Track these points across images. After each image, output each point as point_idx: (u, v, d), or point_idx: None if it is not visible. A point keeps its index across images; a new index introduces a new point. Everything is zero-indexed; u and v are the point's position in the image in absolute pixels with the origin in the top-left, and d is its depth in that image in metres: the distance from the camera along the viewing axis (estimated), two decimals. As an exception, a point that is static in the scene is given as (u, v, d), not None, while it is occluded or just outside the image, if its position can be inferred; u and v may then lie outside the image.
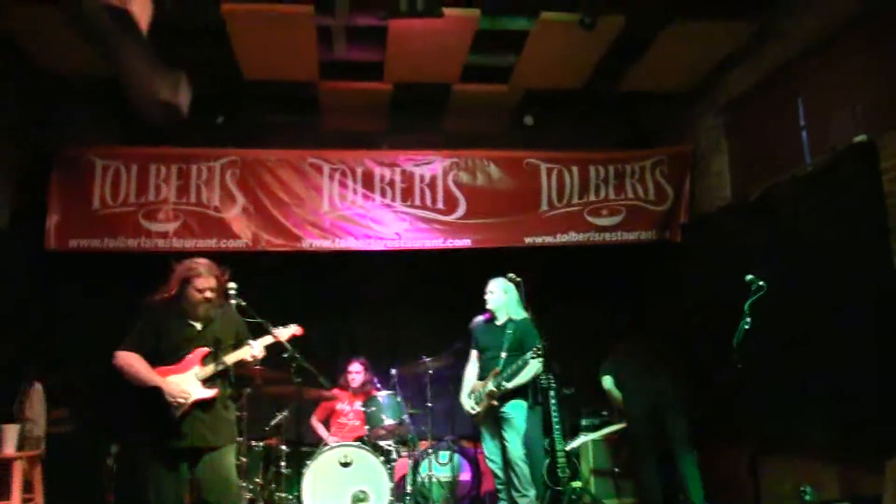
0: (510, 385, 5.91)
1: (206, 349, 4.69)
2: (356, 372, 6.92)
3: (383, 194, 6.96)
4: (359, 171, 6.95)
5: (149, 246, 6.56)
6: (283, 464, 6.08)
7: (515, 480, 5.97)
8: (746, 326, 4.81)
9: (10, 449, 5.26)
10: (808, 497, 5.33)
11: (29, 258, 6.51)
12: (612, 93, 7.09)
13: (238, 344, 4.81)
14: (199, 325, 4.73)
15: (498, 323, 6.20)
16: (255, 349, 4.78)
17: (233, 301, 4.79)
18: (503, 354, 6.01)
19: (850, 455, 5.21)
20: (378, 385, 6.89)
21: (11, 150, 6.47)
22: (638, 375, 6.44)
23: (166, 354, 4.64)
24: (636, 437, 6.43)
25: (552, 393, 7.14)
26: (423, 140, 7.45)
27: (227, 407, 4.80)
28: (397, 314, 7.50)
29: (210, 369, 4.65)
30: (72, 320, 6.64)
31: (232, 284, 4.80)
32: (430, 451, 6.84)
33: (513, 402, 6.02)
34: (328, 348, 7.14)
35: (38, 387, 5.75)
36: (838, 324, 5.34)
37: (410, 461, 6.73)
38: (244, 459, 6.23)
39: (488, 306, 6.23)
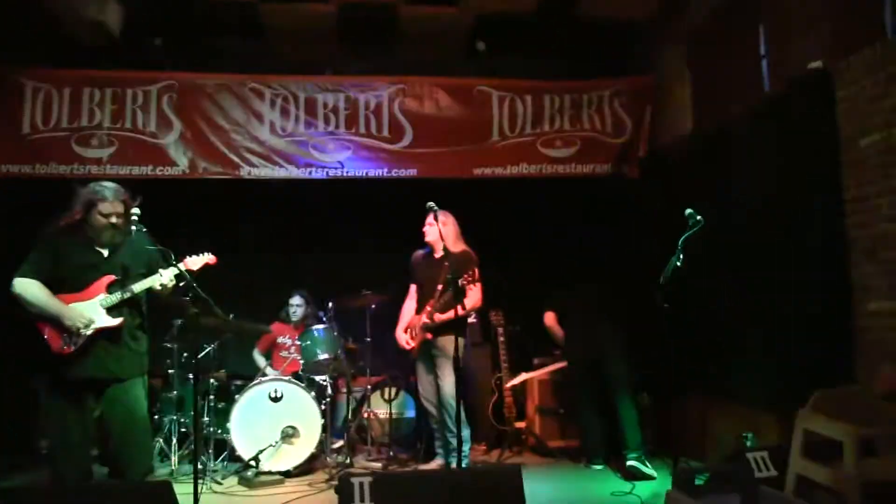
0: (444, 317, 5.73)
1: (112, 276, 4.52)
2: (297, 304, 6.79)
3: (327, 121, 6.71)
4: (301, 97, 6.69)
5: (82, 172, 6.36)
6: (211, 397, 5.96)
7: (447, 419, 5.84)
8: (678, 263, 4.60)
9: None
10: (749, 443, 5.14)
11: None
12: (569, 19, 6.73)
13: (148, 272, 4.63)
14: (105, 252, 4.56)
15: (436, 256, 6.01)
16: (164, 277, 4.60)
17: (134, 227, 4.55)
18: (439, 287, 5.83)
19: (788, 404, 5.01)
20: (324, 318, 6.74)
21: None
22: (583, 321, 6.21)
23: (70, 282, 4.47)
24: (577, 381, 6.24)
25: (500, 329, 7.01)
26: (374, 67, 7.12)
27: (137, 338, 4.64)
28: (341, 246, 7.27)
29: (116, 297, 4.48)
30: None
31: (135, 210, 4.56)
32: (369, 387, 6.73)
33: (446, 337, 5.85)
34: (271, 280, 6.95)
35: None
36: (783, 269, 5.11)
37: (351, 397, 6.62)
38: (175, 392, 6.13)
39: (426, 239, 6.02)
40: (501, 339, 6.95)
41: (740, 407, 5.50)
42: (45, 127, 6.36)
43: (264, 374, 6.37)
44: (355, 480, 3.43)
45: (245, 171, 6.56)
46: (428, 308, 5.84)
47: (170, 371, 6.21)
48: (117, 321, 4.47)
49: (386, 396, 6.97)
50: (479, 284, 5.79)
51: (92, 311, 4.43)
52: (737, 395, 5.58)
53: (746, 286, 5.47)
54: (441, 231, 5.94)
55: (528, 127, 6.85)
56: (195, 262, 4.82)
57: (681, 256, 4.59)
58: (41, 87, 6.37)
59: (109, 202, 4.49)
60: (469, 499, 3.41)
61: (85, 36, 6.19)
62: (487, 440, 6.88)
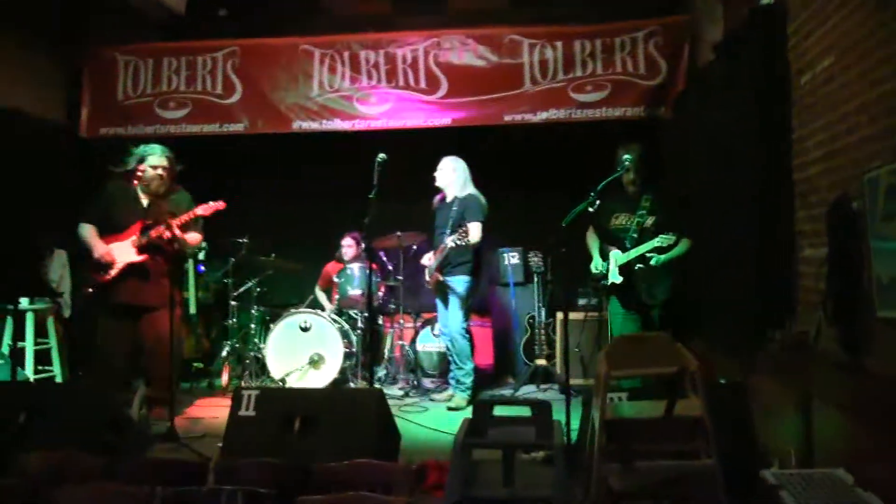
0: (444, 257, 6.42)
1: (146, 220, 5.78)
2: (348, 246, 7.73)
3: (369, 76, 7.45)
4: (346, 54, 7.47)
5: (163, 132, 7.58)
6: (252, 325, 7.06)
7: (454, 353, 6.52)
8: (590, 209, 4.90)
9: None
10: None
11: (83, 147, 7.76)
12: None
13: None
14: (145, 202, 5.84)
15: (447, 201, 6.64)
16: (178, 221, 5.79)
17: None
18: (447, 231, 6.46)
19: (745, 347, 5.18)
20: (383, 258, 7.64)
21: (62, 55, 7.70)
22: None
23: (115, 225, 5.90)
24: None
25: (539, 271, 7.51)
26: (429, 21, 7.72)
27: (164, 275, 5.79)
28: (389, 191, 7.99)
29: (146, 238, 5.73)
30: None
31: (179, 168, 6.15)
32: (410, 322, 7.54)
33: (455, 276, 6.51)
34: (325, 223, 7.88)
35: (60, 252, 7.03)
36: (738, 213, 5.25)
37: (393, 331, 7.50)
38: (234, 320, 7.27)
39: (437, 184, 6.67)
40: (537, 279, 7.43)
41: (705, 345, 5.68)
42: (133, 93, 7.68)
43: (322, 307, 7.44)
44: (244, 392, 4.27)
45: (295, 126, 7.49)
46: (437, 253, 6.53)
47: (231, 302, 7.35)
48: (141, 258, 5.74)
49: (435, 332, 7.76)
50: (478, 224, 6.37)
51: (122, 249, 5.78)
52: (703, 337, 5.77)
53: (711, 230, 5.65)
54: (451, 177, 6.60)
55: (560, 73, 7.18)
56: (207, 208, 5.90)
57: (595, 202, 4.87)
58: (130, 60, 7.68)
59: (157, 157, 5.97)
60: (334, 413, 4.13)
61: (158, 17, 7.36)
62: (518, 376, 7.43)
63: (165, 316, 5.61)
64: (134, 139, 7.55)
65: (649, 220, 5.49)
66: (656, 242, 5.19)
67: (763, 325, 4.89)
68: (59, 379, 6.71)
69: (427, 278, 6.79)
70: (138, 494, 3.35)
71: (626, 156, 5.26)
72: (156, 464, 4.09)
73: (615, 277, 5.50)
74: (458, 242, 6.18)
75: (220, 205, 5.90)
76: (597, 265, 5.69)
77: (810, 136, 4.59)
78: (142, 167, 5.94)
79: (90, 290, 5.93)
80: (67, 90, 7.78)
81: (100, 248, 5.79)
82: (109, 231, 5.92)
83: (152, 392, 5.82)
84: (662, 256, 5.31)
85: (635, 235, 5.46)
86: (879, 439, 3.36)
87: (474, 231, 6.31)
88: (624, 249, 5.48)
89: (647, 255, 5.33)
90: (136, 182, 5.96)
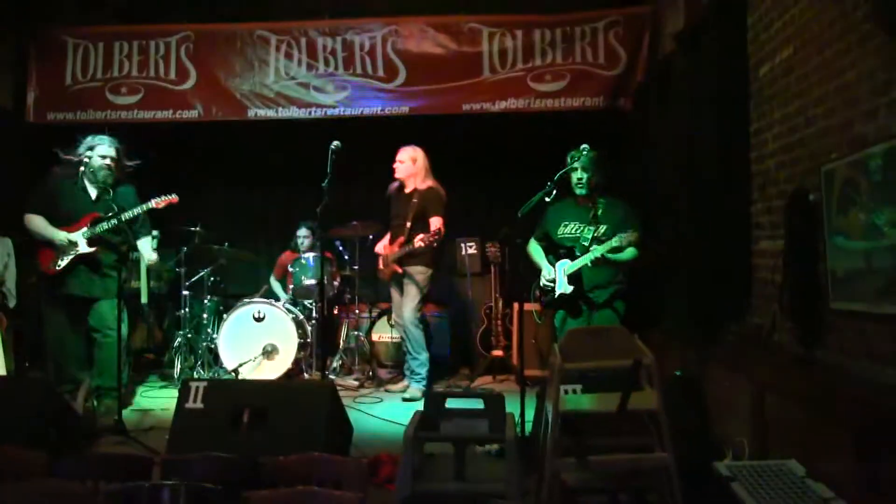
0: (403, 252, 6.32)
1: (95, 214, 5.67)
2: (304, 236, 7.60)
3: (326, 63, 7.35)
4: (303, 41, 7.36)
5: (114, 118, 7.40)
6: (204, 315, 6.93)
7: (407, 343, 6.46)
8: (546, 199, 4.87)
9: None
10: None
11: (29, 133, 7.54)
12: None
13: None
14: (93, 195, 5.69)
15: (406, 191, 6.55)
16: (133, 212, 5.67)
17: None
18: (408, 224, 6.37)
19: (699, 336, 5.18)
20: (339, 247, 7.55)
21: (9, 35, 7.49)
22: None
23: (62, 216, 5.75)
24: None
25: (494, 261, 7.47)
26: (389, 6, 7.59)
27: (112, 267, 5.68)
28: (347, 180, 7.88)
29: (96, 230, 5.63)
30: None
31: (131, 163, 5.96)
32: (365, 312, 7.46)
33: (414, 266, 6.43)
34: (281, 213, 7.76)
35: (4, 240, 6.83)
36: (696, 204, 5.24)
37: (349, 321, 7.42)
38: (185, 310, 7.13)
39: (396, 175, 6.58)
40: (494, 270, 7.40)
41: (662, 338, 5.68)
42: (83, 78, 7.48)
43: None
44: (192, 384, 4.17)
45: (251, 113, 7.37)
46: (399, 244, 6.42)
47: (184, 292, 7.21)
48: (92, 249, 5.62)
49: (391, 322, 7.68)
50: (439, 218, 6.31)
51: (75, 240, 5.62)
52: (660, 329, 5.78)
53: (672, 222, 5.66)
54: (412, 167, 6.51)
55: (519, 62, 7.13)
56: (160, 201, 5.76)
57: (550, 191, 4.83)
58: (80, 43, 7.48)
59: (106, 147, 5.79)
60: (284, 406, 4.05)
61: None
62: (474, 367, 7.41)
63: (110, 306, 5.64)
64: (84, 125, 7.43)
65: (602, 228, 5.34)
66: (614, 242, 5.10)
67: (719, 317, 4.91)
68: (2, 371, 6.51)
69: (381, 267, 6.70)
70: (81, 491, 3.26)
71: (583, 146, 5.18)
72: (100, 458, 3.98)
73: (564, 288, 5.38)
74: (431, 243, 6.10)
75: (173, 199, 5.77)
76: (547, 274, 5.51)
77: (768, 128, 4.60)
78: (88, 156, 5.77)
79: (33, 280, 5.81)
80: (14, 73, 7.58)
81: (61, 234, 5.65)
82: (57, 222, 5.73)
83: (101, 383, 5.71)
84: (609, 253, 5.16)
85: (586, 244, 5.31)
86: (831, 430, 3.37)
87: (436, 226, 6.25)
88: (574, 258, 5.35)
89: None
90: (81, 171, 5.76)
